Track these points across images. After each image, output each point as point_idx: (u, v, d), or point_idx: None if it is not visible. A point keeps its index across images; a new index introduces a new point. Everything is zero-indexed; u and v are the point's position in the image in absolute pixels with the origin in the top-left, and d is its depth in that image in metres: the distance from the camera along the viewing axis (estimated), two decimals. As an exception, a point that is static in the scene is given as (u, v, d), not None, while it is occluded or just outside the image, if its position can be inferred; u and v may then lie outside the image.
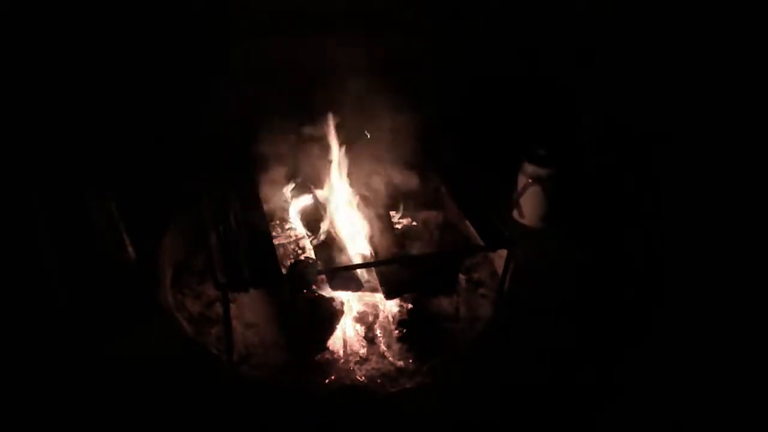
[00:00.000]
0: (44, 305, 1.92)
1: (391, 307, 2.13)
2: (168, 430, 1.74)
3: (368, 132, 2.24)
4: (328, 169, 2.26)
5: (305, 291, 2.03)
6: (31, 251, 1.93)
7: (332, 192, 2.24)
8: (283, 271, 2.05)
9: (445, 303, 2.20)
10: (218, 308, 2.07)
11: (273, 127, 2.19)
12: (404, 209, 2.38)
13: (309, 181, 2.31)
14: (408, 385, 1.88)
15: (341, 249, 2.07)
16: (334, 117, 2.21)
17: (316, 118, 2.23)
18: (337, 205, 2.22)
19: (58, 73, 2.13)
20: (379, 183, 2.26)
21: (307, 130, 2.24)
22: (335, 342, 2.03)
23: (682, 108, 2.40)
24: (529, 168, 2.40)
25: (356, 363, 1.99)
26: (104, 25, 2.18)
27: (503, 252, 2.04)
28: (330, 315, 2.02)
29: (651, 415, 1.88)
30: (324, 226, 2.14)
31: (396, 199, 2.32)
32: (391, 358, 2.01)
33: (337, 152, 2.22)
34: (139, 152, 2.33)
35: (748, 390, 1.93)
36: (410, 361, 2.00)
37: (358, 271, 2.03)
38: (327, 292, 2.05)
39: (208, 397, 1.78)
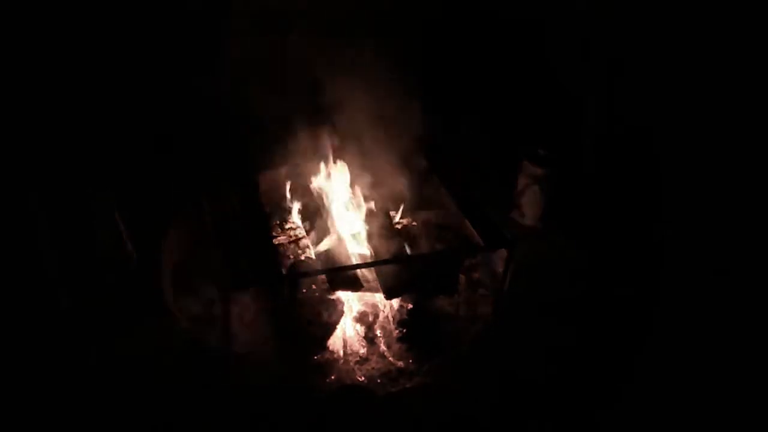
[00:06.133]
0: (44, 305, 1.92)
1: (391, 307, 2.13)
2: (168, 429, 1.74)
3: (368, 132, 2.24)
4: (329, 169, 2.26)
5: (305, 290, 2.03)
6: (31, 251, 1.93)
7: (332, 192, 2.24)
8: (283, 271, 2.05)
9: (445, 303, 2.20)
10: (218, 308, 2.07)
11: (273, 127, 2.19)
12: (404, 209, 2.38)
13: (309, 182, 2.31)
14: (408, 385, 1.88)
15: (341, 249, 2.07)
16: (333, 124, 2.21)
17: (316, 118, 2.23)
18: (337, 205, 2.22)
19: (58, 74, 2.13)
20: (379, 183, 2.26)
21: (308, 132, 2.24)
22: (335, 342, 2.03)
23: (684, 109, 2.40)
24: (529, 168, 2.40)
25: (356, 363, 1.99)
26: (104, 26, 2.19)
27: (503, 252, 2.04)
28: (330, 315, 2.02)
29: (651, 414, 1.88)
30: (324, 227, 2.14)
31: (396, 199, 2.31)
32: (391, 358, 2.01)
33: (336, 153, 2.22)
34: (140, 152, 2.33)
35: (749, 389, 1.93)
36: (410, 361, 2.00)
37: (358, 271, 2.03)
38: (327, 292, 2.05)
39: (208, 397, 1.78)
